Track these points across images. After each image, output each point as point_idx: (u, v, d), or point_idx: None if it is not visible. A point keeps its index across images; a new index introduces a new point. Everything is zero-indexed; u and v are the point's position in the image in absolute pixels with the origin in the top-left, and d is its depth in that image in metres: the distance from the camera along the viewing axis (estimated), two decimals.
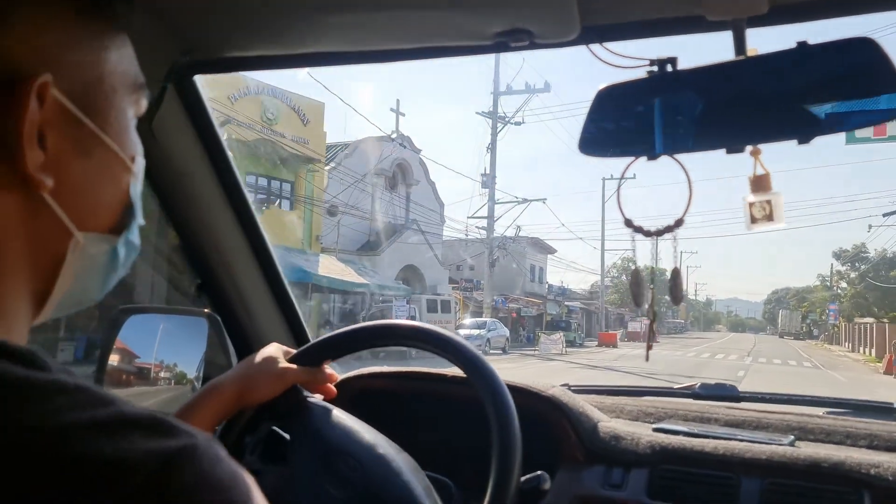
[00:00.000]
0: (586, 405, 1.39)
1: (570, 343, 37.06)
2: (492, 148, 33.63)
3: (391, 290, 24.97)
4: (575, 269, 74.19)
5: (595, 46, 0.96)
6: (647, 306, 0.97)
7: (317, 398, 1.14)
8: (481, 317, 31.84)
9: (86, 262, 0.55)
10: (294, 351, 1.15)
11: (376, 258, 27.25)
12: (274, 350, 1.13)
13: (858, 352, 44.67)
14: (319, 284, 21.54)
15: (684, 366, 23.81)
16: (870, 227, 42.76)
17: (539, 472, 1.03)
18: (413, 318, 24.50)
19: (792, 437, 1.31)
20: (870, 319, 46.31)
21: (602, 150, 0.96)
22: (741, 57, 0.85)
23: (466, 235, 34.80)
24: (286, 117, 21.79)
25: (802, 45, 0.79)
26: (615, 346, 39.14)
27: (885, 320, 41.96)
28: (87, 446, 0.39)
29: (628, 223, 0.93)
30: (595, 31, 0.94)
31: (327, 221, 24.68)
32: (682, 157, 0.90)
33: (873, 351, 38.56)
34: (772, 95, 0.85)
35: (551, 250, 48.18)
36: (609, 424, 1.36)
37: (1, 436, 0.38)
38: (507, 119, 33.91)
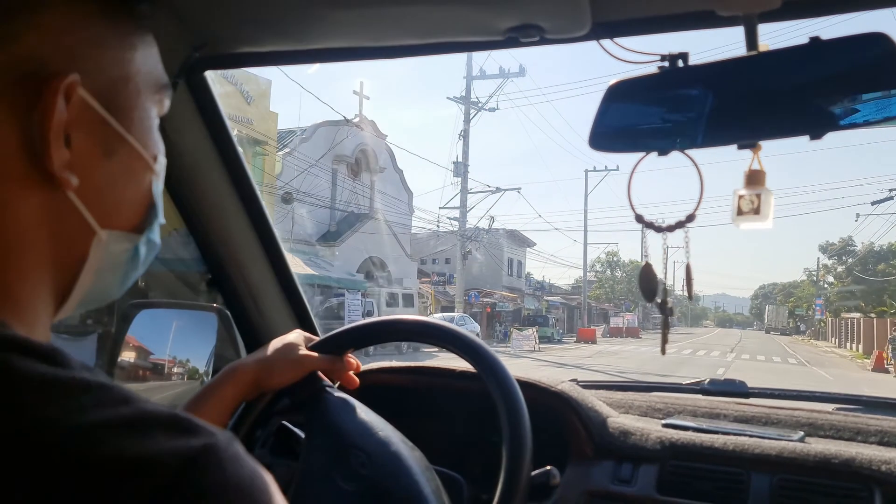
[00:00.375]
0: (595, 400, 1.40)
1: (548, 339, 35.76)
2: (464, 135, 32.08)
3: (342, 282, 23.24)
4: (556, 262, 72.86)
5: (606, 42, 0.95)
6: (658, 301, 0.95)
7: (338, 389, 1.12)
8: (453, 312, 30.26)
9: (108, 260, 0.56)
10: (316, 338, 1.14)
11: (335, 249, 25.51)
12: (295, 337, 1.12)
13: (845, 347, 44.05)
14: None
15: (660, 363, 22.64)
16: (857, 216, 41.47)
17: (549, 468, 1.04)
18: (370, 312, 22.90)
19: (802, 433, 1.32)
20: (857, 314, 45.19)
21: (613, 145, 0.96)
22: (753, 52, 0.85)
23: (438, 227, 33.19)
24: (226, 94, 20.03)
25: (815, 41, 0.79)
26: (594, 342, 38.12)
27: (873, 315, 40.76)
28: (112, 445, 0.39)
29: (639, 219, 0.93)
30: (606, 27, 0.94)
31: (282, 210, 22.96)
32: (692, 152, 0.90)
33: (860, 347, 37.77)
34: (784, 91, 0.84)
35: (530, 243, 46.81)
36: (618, 420, 1.37)
37: (26, 434, 0.39)
38: (480, 105, 32.27)
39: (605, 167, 46.19)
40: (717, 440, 1.27)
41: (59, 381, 0.42)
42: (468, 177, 32.64)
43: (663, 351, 1.03)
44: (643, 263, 0.98)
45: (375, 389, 1.27)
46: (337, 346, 1.14)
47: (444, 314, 29.90)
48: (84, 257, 0.54)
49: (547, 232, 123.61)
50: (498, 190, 33.44)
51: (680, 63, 0.87)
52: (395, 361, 1.59)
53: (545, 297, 49.31)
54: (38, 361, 0.42)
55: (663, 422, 1.40)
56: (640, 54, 0.90)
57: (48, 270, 0.52)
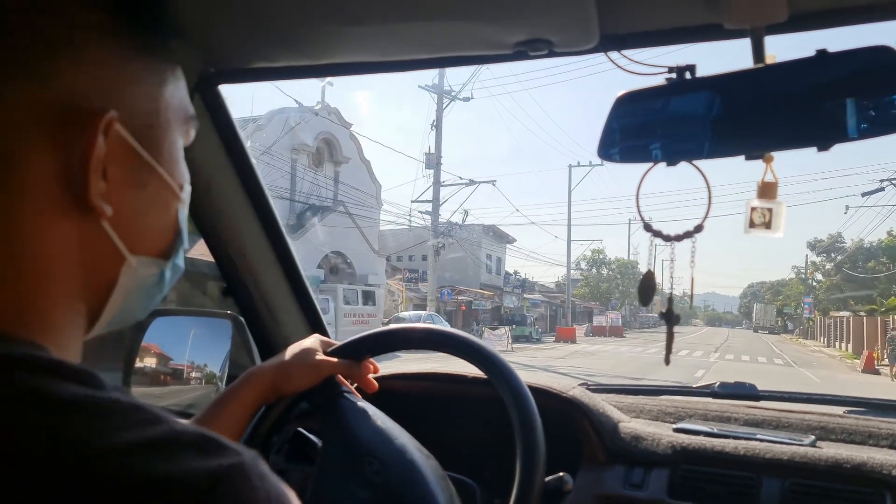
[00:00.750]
0: (606, 405, 1.44)
1: (526, 338, 34.31)
2: (437, 124, 30.66)
3: None
4: (538, 260, 71.47)
5: (613, 54, 0.98)
6: (664, 311, 0.98)
7: (357, 395, 1.16)
8: (425, 310, 28.90)
9: (135, 284, 0.59)
10: (336, 343, 1.18)
11: (293, 243, 23.94)
12: (313, 342, 1.16)
13: (834, 347, 42.85)
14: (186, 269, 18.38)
15: (636, 365, 21.38)
16: (847, 208, 40.20)
17: (561, 474, 1.06)
18: (324, 310, 21.31)
19: (813, 437, 1.35)
20: (846, 313, 44.25)
21: (621, 155, 0.97)
22: (760, 65, 0.88)
23: (410, 221, 31.76)
24: None
25: (822, 53, 0.82)
26: (573, 341, 36.89)
27: (862, 313, 39.58)
28: (144, 464, 0.41)
29: (647, 227, 0.95)
30: (614, 40, 0.97)
31: None
32: (700, 163, 0.93)
33: (850, 346, 36.57)
34: (791, 102, 0.87)
35: (510, 239, 45.34)
36: (629, 425, 1.41)
37: (59, 453, 0.40)
38: (453, 94, 30.84)
39: (590, 162, 44.87)
40: (728, 444, 1.29)
41: (92, 401, 0.44)
42: (441, 169, 31.22)
43: (667, 361, 1.07)
44: (646, 271, 1.01)
45: (388, 395, 1.26)
46: (355, 352, 1.16)
47: (412, 313, 28.58)
48: (114, 282, 0.57)
49: (529, 229, 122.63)
50: (472, 182, 32.12)
51: (687, 75, 0.89)
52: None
53: (525, 296, 48.00)
54: (72, 383, 0.44)
55: (674, 426, 1.43)
56: (648, 66, 0.92)
57: (80, 294, 0.54)
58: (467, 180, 32.08)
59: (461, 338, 1.11)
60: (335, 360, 1.12)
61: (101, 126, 0.51)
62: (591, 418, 1.35)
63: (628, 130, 0.95)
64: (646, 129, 0.94)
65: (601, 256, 70.63)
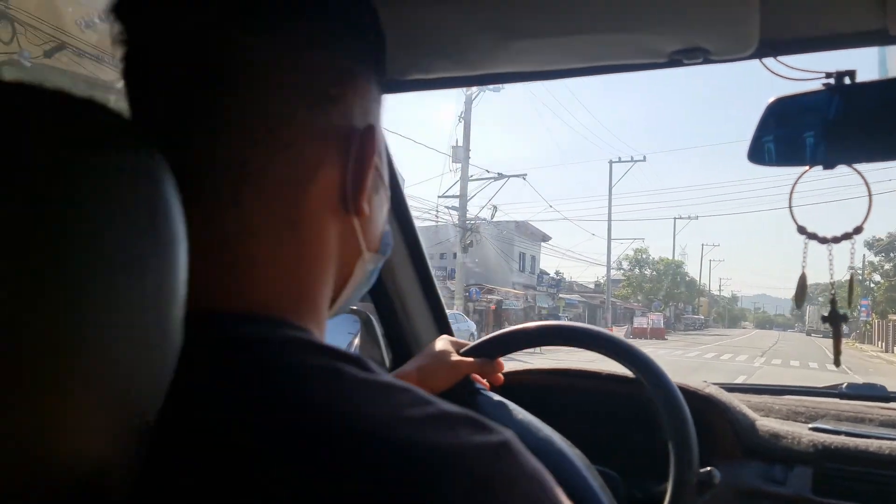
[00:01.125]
0: (741, 404, 1.48)
1: None
2: (465, 114, 29.68)
3: None
4: (575, 258, 69.69)
5: (768, 60, 0.99)
6: (825, 314, 1.00)
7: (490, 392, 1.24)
8: (452, 309, 27.93)
9: (361, 277, 0.67)
10: (467, 343, 1.26)
11: None
12: (445, 343, 1.26)
13: (893, 352, 40.21)
14: None
15: (672, 369, 19.37)
16: None
17: (710, 468, 1.12)
18: None
19: None
20: None
21: (773, 159, 0.98)
22: None
23: (437, 217, 30.77)
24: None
25: None
26: None
27: None
28: (431, 436, 0.45)
29: (801, 230, 0.96)
30: (771, 46, 0.98)
31: None
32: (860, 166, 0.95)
33: None
34: None
35: (545, 237, 43.99)
36: (766, 423, 1.45)
37: (360, 428, 0.45)
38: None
39: (632, 157, 43.18)
40: (872, 444, 1.31)
41: (374, 382, 0.49)
42: (469, 163, 30.15)
43: (837, 363, 1.05)
44: (801, 273, 1.02)
45: (511, 389, 1.32)
46: (489, 351, 1.22)
47: None
48: (351, 274, 0.64)
49: (568, 227, 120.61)
50: (501, 176, 30.94)
51: (847, 80, 0.88)
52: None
53: (561, 295, 46.69)
54: (354, 367, 0.50)
55: (810, 425, 1.45)
56: (805, 72, 0.91)
57: (332, 286, 0.61)
58: (496, 174, 31.01)
59: (597, 333, 1.17)
60: (471, 359, 1.21)
61: (377, 141, 0.60)
62: (728, 416, 1.39)
63: (781, 135, 0.95)
64: (801, 134, 0.93)
65: (644, 256, 68.72)
